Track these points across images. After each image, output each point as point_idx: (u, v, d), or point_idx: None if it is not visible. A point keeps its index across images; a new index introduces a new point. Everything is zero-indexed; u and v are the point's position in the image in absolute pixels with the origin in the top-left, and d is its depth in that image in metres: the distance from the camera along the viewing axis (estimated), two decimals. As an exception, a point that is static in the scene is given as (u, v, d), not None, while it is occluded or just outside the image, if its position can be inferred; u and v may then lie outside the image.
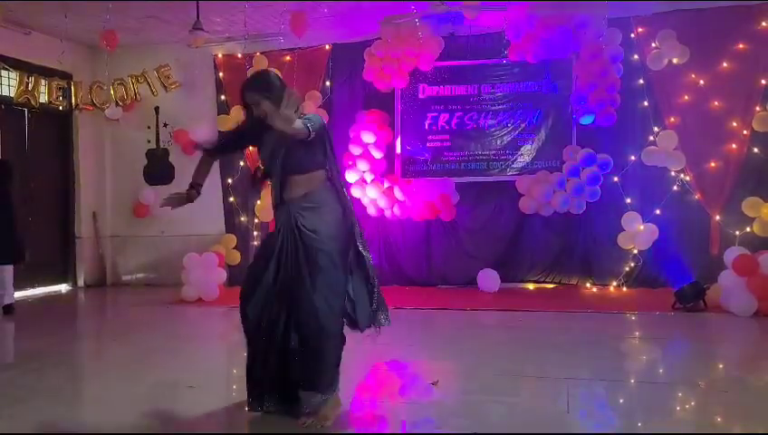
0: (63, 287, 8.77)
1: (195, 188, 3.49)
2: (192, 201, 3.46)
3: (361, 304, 3.31)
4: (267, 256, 3.28)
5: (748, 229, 6.92)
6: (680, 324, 5.73)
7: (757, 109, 6.97)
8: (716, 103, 7.11)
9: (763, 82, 6.98)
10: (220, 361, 5.08)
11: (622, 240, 7.27)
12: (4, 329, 6.27)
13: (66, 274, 8.88)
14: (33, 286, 8.21)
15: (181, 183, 8.74)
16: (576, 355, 4.67)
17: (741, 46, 7.03)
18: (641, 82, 7.37)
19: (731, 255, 6.11)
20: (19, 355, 5.34)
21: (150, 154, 8.97)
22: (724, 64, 7.08)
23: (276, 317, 3.23)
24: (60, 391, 3.99)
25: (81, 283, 8.94)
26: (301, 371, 3.17)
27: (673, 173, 7.28)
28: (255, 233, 8.43)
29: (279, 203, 3.34)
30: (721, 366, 4.58)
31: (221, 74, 8.60)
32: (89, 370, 4.90)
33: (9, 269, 6.67)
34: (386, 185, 7.82)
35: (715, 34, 7.07)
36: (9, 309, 6.66)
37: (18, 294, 7.08)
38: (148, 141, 8.95)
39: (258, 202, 8.17)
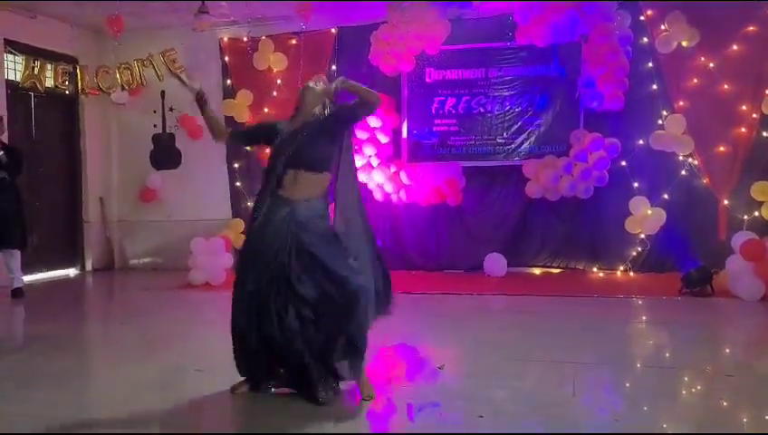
0: (71, 271, 8.82)
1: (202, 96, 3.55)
2: (200, 98, 3.55)
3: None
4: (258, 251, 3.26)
5: (756, 214, 6.88)
6: (687, 309, 5.72)
7: (767, 92, 6.90)
8: (726, 87, 7.04)
9: (774, 65, 6.91)
10: (227, 344, 5.09)
11: (629, 225, 7.25)
12: (13, 312, 6.32)
13: (74, 258, 8.92)
14: (42, 270, 8.26)
15: (187, 167, 8.79)
16: (582, 340, 4.67)
17: (751, 29, 6.95)
18: (650, 65, 7.30)
19: (739, 239, 6.09)
20: (28, 338, 5.38)
21: (157, 139, 8.97)
22: (734, 47, 7.00)
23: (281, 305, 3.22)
24: (68, 374, 4.01)
25: (88, 267, 8.99)
26: (339, 344, 3.22)
27: (681, 157, 7.23)
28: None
29: (275, 196, 3.31)
30: (727, 351, 4.58)
31: (226, 58, 8.58)
32: (96, 353, 4.94)
33: (16, 254, 6.71)
34: (392, 169, 7.81)
35: (724, 17, 6.99)
36: (18, 293, 6.71)
37: (27, 278, 7.13)
38: (155, 126, 8.95)
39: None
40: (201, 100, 3.56)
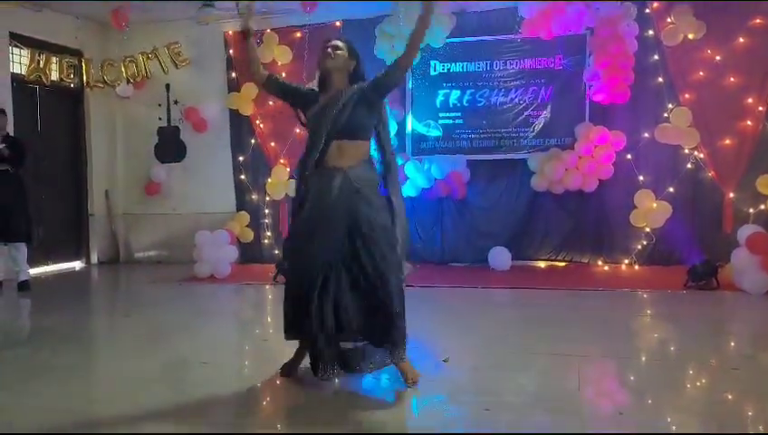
0: (77, 264, 8.86)
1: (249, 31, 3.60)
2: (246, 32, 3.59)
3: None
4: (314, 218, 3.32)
5: (762, 207, 6.87)
6: (692, 303, 5.71)
7: (773, 85, 6.88)
8: (732, 79, 7.01)
9: (781, 57, 6.88)
10: (233, 337, 5.12)
11: (635, 218, 7.23)
12: (20, 305, 6.35)
13: (79, 251, 8.96)
14: (48, 263, 8.30)
15: (192, 160, 8.80)
16: (587, 333, 4.68)
17: (758, 21, 6.92)
18: (656, 57, 7.27)
19: (744, 233, 6.07)
20: (35, 331, 5.41)
21: (161, 132, 8.98)
22: (741, 40, 6.97)
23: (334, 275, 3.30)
24: (74, 366, 4.04)
25: (94, 260, 9.02)
26: (382, 330, 3.30)
27: (686, 150, 7.21)
28: (266, 210, 8.46)
29: (321, 168, 3.34)
30: (732, 344, 4.57)
31: (231, 51, 8.57)
32: (103, 346, 4.96)
33: (22, 247, 6.73)
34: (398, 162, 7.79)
35: (731, 9, 6.95)
36: (24, 286, 6.74)
37: (33, 271, 7.16)
38: (159, 119, 8.96)
39: (269, 180, 8.19)
40: (247, 33, 3.61)
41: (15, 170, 6.60)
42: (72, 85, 8.66)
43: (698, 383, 3.66)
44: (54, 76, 8.39)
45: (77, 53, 8.66)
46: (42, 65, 8.14)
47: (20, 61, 8.01)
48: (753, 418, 3.07)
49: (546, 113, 7.72)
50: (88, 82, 8.74)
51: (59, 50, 8.40)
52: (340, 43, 3.46)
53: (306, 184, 3.40)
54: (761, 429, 2.95)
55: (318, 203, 3.33)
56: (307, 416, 3.09)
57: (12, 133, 6.88)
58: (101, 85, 8.76)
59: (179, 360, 4.20)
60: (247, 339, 5.04)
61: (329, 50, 3.42)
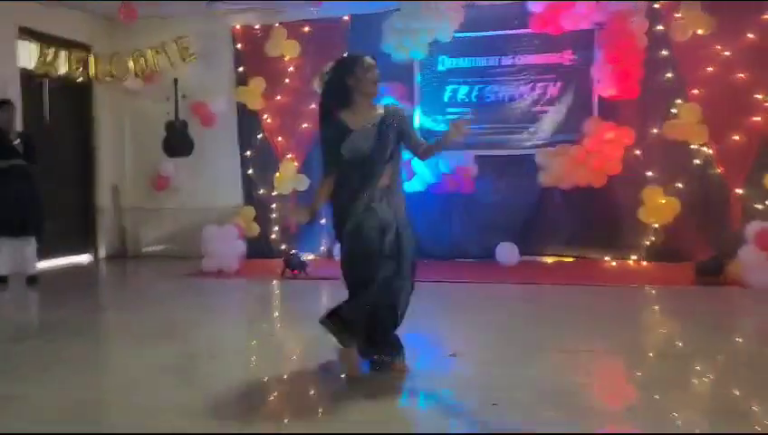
0: (85, 258, 8.89)
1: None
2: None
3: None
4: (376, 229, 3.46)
5: (770, 203, 6.83)
6: (700, 298, 5.70)
7: (783, 81, 6.84)
8: (741, 75, 6.96)
9: (790, 53, 6.83)
10: (241, 332, 5.14)
11: (643, 214, 7.21)
12: (29, 299, 6.40)
13: (87, 245, 8.98)
14: (56, 257, 8.32)
15: (199, 155, 8.82)
16: (595, 328, 4.68)
17: (767, 17, 6.87)
18: (665, 53, 7.23)
19: (752, 229, 6.05)
20: (44, 325, 5.45)
21: (169, 126, 8.98)
22: (750, 36, 6.92)
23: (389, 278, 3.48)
24: (84, 359, 4.08)
25: (102, 254, 9.05)
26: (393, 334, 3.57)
27: (695, 146, 7.18)
28: (273, 205, 8.46)
29: (364, 192, 3.48)
30: (740, 340, 4.57)
31: (239, 46, 8.57)
32: (112, 339, 5.00)
33: (32, 241, 6.76)
34: (405, 157, 7.77)
35: (740, 5, 6.90)
36: (33, 280, 6.78)
37: (41, 265, 7.19)
38: (168, 113, 8.96)
39: (277, 174, 8.20)
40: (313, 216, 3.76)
41: (30, 166, 6.62)
42: (80, 79, 8.68)
43: (705, 379, 3.67)
44: (63, 70, 8.41)
45: (86, 48, 8.67)
46: (50, 59, 8.15)
47: (28, 55, 8.03)
48: (761, 413, 3.07)
49: (554, 109, 7.69)
50: (96, 77, 8.76)
51: (67, 44, 8.42)
52: (376, 69, 3.63)
53: (351, 209, 3.51)
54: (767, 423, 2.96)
55: (366, 223, 3.50)
56: (314, 410, 3.11)
57: (19, 128, 6.90)
58: (110, 79, 8.78)
59: (188, 354, 4.23)
60: (255, 334, 5.06)
61: (375, 80, 3.60)
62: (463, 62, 7.96)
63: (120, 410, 3.20)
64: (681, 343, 4.51)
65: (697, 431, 2.85)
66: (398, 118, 3.60)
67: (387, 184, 3.54)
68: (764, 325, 5.02)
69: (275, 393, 3.50)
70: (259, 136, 8.47)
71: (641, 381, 3.57)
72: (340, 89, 3.53)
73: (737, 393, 3.32)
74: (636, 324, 4.97)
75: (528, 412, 3.01)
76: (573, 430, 2.78)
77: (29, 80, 7.98)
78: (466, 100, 7.97)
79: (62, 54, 8.37)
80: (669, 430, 2.81)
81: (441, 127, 8.04)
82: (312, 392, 3.36)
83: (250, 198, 8.61)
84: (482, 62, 7.89)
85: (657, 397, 3.22)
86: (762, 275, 5.82)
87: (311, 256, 7.86)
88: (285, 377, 3.60)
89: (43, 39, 8.09)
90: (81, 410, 3.12)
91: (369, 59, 3.59)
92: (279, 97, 8.23)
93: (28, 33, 7.92)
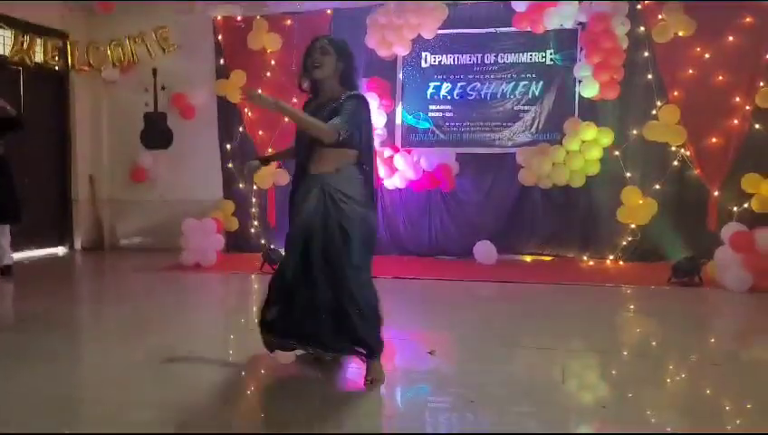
0: (60, 250, 8.77)
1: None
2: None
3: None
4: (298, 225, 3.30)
5: (746, 205, 6.92)
6: (675, 298, 5.76)
7: (761, 84, 6.91)
8: (720, 78, 7.04)
9: (768, 57, 6.92)
10: (218, 326, 5.10)
11: (621, 214, 7.27)
12: (2, 290, 6.28)
13: (63, 236, 8.86)
14: (31, 248, 8.20)
15: (179, 147, 8.72)
16: (571, 327, 4.71)
17: (748, 20, 6.95)
18: (646, 54, 7.29)
19: (728, 230, 6.12)
20: (17, 316, 5.36)
21: (148, 117, 8.88)
22: (730, 38, 7.00)
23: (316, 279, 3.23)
24: (57, 353, 4.00)
25: (78, 246, 8.93)
26: (359, 338, 3.24)
27: (674, 148, 7.25)
28: (254, 199, 8.40)
29: (303, 174, 3.37)
30: (713, 340, 4.62)
31: (220, 37, 8.48)
32: (87, 333, 4.92)
33: (6, 230, 6.64)
34: (386, 154, 7.78)
35: (721, 7, 6.97)
36: (7, 270, 6.66)
37: (15, 256, 7.07)
38: (146, 104, 8.86)
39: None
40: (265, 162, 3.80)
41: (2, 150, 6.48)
42: (56, 68, 8.54)
43: (679, 378, 3.70)
44: (39, 58, 8.27)
45: (62, 35, 8.53)
46: (26, 47, 8.01)
47: (3, 42, 7.88)
48: (732, 413, 3.11)
49: (536, 108, 7.73)
50: (73, 65, 8.62)
51: (44, 31, 8.27)
52: (327, 46, 3.34)
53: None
54: (738, 423, 3.00)
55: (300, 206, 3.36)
56: (290, 406, 3.08)
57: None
58: (87, 68, 8.65)
59: (164, 348, 4.17)
60: (233, 328, 5.02)
61: (316, 62, 3.32)
62: (446, 59, 7.96)
63: (92, 405, 3.14)
64: (656, 343, 4.56)
65: (669, 429, 2.88)
66: (340, 101, 3.29)
67: (329, 170, 3.29)
68: (738, 326, 5.09)
69: (252, 388, 3.47)
70: (240, 129, 8.40)
71: (616, 380, 3.60)
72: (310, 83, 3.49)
73: (708, 393, 3.36)
74: (612, 323, 5.01)
75: (504, 409, 3.01)
76: (548, 427, 2.79)
77: (4, 67, 7.84)
78: (449, 97, 7.97)
79: (38, 42, 8.22)
80: (642, 427, 2.83)
81: (423, 124, 8.05)
82: (289, 386, 3.33)
83: (230, 191, 8.53)
84: (465, 59, 7.90)
85: (630, 395, 3.24)
86: (736, 276, 5.89)
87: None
88: (263, 372, 3.57)
89: (18, 26, 7.94)
90: (52, 407, 3.06)
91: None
92: (260, 90, 8.14)
93: (2, 20, 7.77)
